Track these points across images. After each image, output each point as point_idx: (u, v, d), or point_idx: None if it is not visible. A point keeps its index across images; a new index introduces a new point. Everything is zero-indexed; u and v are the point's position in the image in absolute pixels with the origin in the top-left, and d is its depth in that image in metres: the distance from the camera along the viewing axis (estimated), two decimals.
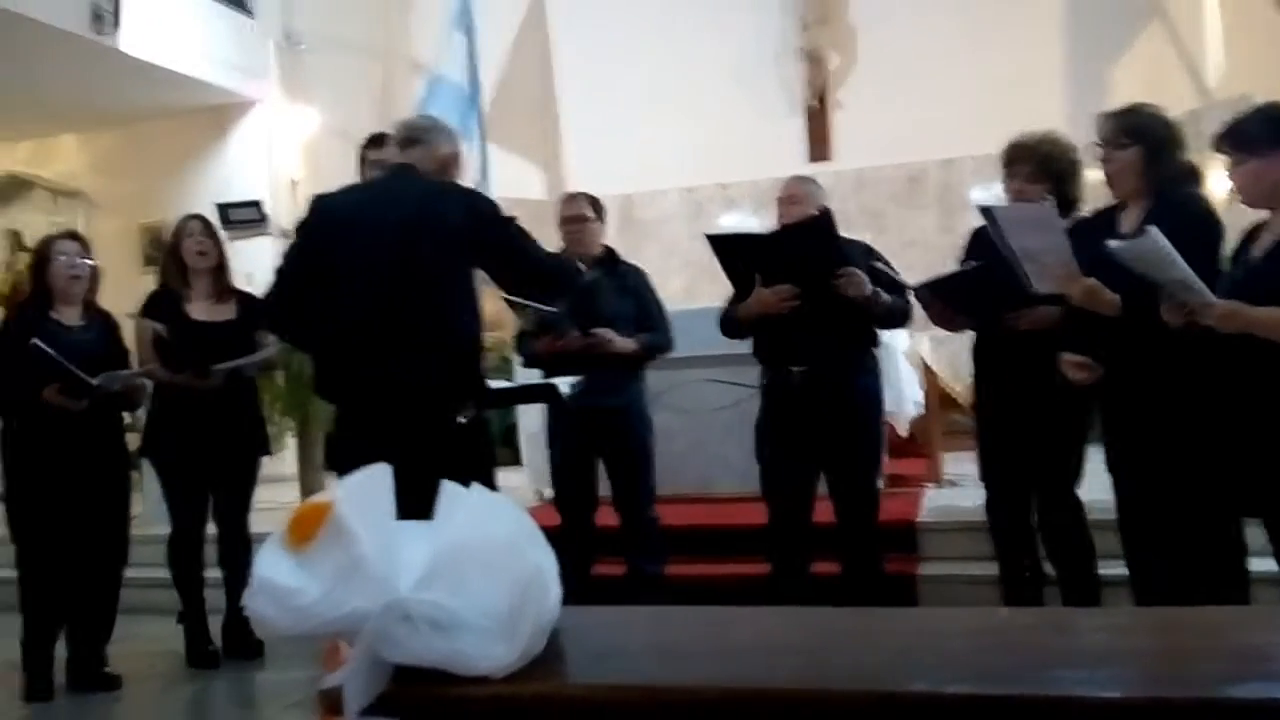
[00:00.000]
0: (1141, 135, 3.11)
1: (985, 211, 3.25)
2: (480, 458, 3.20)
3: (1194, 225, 2.92)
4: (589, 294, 3.99)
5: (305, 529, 1.35)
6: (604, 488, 4.23)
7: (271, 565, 1.35)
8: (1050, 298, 3.26)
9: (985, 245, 3.39)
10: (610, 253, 4.32)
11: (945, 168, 8.87)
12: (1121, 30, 8.49)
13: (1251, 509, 2.84)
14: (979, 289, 3.56)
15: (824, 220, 3.69)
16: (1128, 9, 8.47)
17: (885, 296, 3.76)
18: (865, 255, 3.88)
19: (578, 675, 1.44)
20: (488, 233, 3.16)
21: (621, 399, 4.14)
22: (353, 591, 1.33)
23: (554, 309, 3.91)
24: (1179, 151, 3.12)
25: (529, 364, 4.39)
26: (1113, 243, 2.80)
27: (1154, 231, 2.63)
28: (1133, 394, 3.11)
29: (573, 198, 4.36)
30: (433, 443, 2.97)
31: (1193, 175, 3.14)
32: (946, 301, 3.70)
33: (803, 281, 3.71)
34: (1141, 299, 2.85)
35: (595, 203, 4.30)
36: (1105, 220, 3.25)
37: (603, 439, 4.14)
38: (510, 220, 3.22)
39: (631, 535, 4.20)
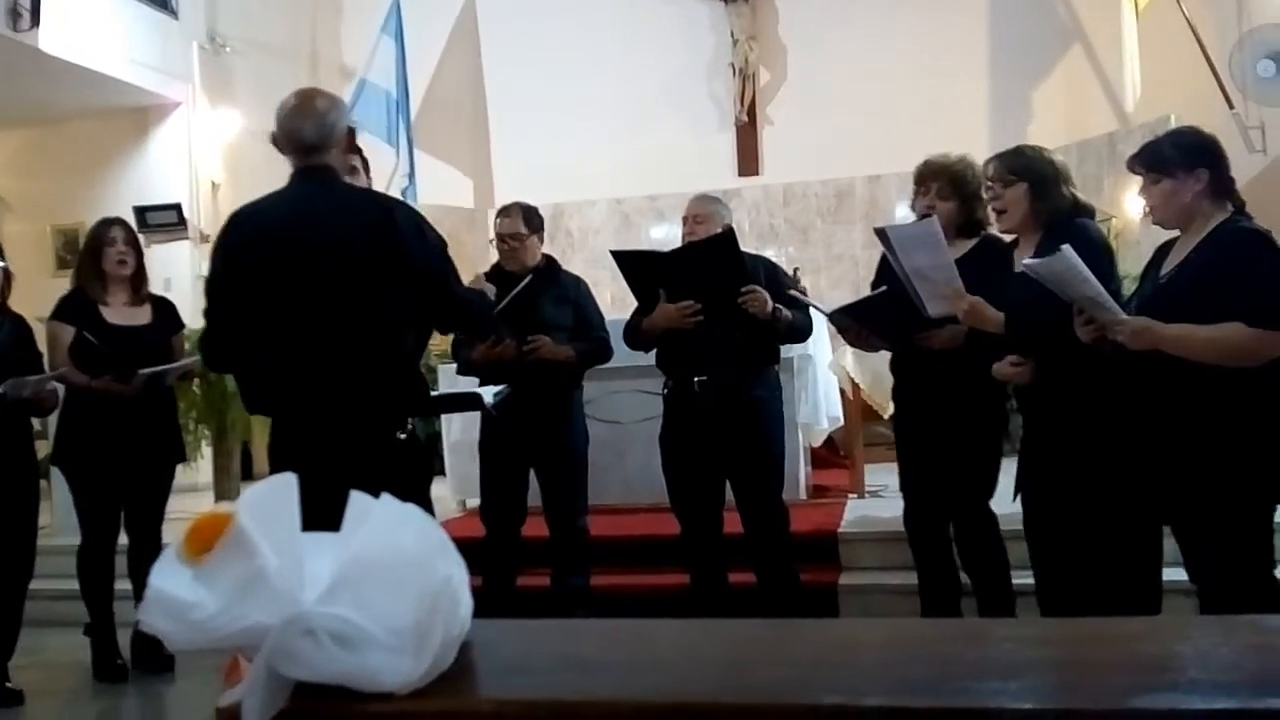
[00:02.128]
0: (1027, 172, 3.24)
1: (880, 233, 3.40)
2: (417, 473, 3.11)
3: (1086, 251, 2.98)
4: (525, 301, 3.95)
5: (203, 540, 1.29)
6: (534, 497, 4.20)
7: (168, 577, 1.29)
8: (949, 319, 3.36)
9: (891, 271, 3.50)
10: (550, 261, 4.28)
11: (871, 184, 8.99)
12: (1044, 54, 8.69)
13: (1164, 517, 2.90)
14: (890, 311, 3.64)
15: (727, 239, 3.79)
16: (1050, 34, 8.67)
17: (787, 313, 3.87)
18: (768, 271, 4.00)
19: (488, 690, 1.40)
20: (430, 260, 2.91)
21: (558, 407, 4.11)
22: (253, 605, 1.27)
23: None
24: (1065, 186, 3.25)
25: (463, 371, 4.33)
26: (1028, 261, 2.87)
27: (1067, 250, 2.69)
28: (1051, 405, 3.17)
29: (508, 213, 4.21)
30: (371, 459, 2.82)
31: (1079, 207, 3.25)
32: (862, 325, 3.78)
33: (705, 297, 3.79)
34: (1026, 317, 2.99)
35: (531, 216, 4.20)
36: (1005, 254, 3.38)
37: (538, 448, 4.11)
38: (445, 248, 3.00)
39: (560, 546, 4.17)
